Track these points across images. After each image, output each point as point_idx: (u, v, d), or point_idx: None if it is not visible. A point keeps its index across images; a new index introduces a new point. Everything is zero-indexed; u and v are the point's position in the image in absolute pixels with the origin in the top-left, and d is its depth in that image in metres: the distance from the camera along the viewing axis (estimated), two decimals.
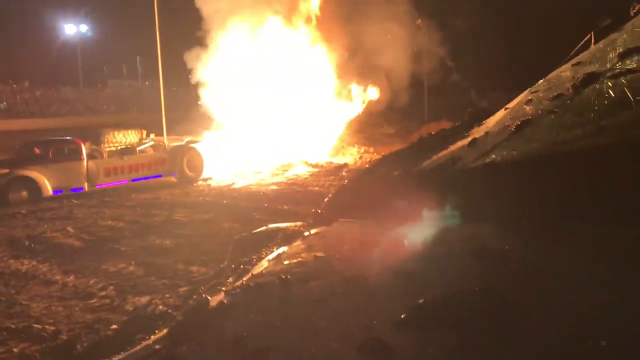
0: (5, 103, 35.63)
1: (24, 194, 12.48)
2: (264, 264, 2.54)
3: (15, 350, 4.96)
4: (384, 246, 2.52)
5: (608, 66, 3.18)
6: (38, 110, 36.49)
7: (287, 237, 2.96)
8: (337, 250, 2.55)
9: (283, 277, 2.19)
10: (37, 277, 7.21)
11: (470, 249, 2.24)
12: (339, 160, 18.74)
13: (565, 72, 3.67)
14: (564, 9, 21.85)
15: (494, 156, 2.94)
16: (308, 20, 20.95)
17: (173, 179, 15.40)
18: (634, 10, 4.34)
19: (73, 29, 45.62)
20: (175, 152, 15.51)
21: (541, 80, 3.81)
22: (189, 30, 20.77)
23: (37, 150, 13.21)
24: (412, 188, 2.95)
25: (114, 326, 5.37)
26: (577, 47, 4.17)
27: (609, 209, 2.44)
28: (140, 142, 15.69)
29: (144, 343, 1.93)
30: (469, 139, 3.40)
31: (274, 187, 13.90)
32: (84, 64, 44.18)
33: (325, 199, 3.72)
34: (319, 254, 2.51)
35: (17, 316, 5.80)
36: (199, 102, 21.18)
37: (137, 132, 15.99)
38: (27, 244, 8.91)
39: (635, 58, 3.04)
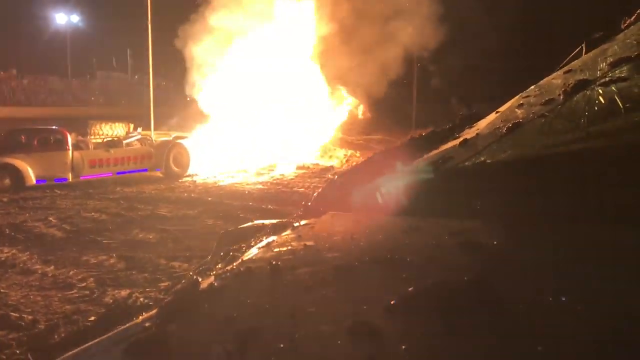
0: None
1: (7, 181, 12.36)
2: (253, 251, 2.54)
3: None
4: (374, 237, 2.54)
5: (599, 74, 3.25)
6: (24, 98, 36.07)
7: (277, 228, 2.97)
8: (327, 240, 2.57)
9: (273, 263, 2.20)
10: (17, 266, 7.14)
11: (460, 243, 2.28)
12: (326, 162, 18.78)
13: (556, 79, 3.74)
14: (555, 20, 22.14)
15: (484, 157, 2.98)
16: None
17: (158, 173, 15.33)
18: (625, 24, 4.43)
19: (64, 18, 45.19)
20: (162, 147, 15.45)
21: (532, 86, 3.87)
22: (180, 25, 20.61)
23: (21, 139, 13.06)
24: (403, 184, 2.98)
25: (93, 318, 5.32)
26: (569, 57, 4.25)
27: (594, 210, 2.50)
28: (127, 136, 15.61)
29: (133, 321, 1.93)
30: (460, 139, 3.44)
31: (260, 186, 13.90)
32: (73, 55, 43.78)
33: (315, 193, 3.74)
34: (309, 242, 2.53)
35: None
36: (188, 99, 21.09)
37: (124, 125, 15.93)
38: (7, 232, 8.81)
39: (626, 67, 3.11)
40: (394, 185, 2.94)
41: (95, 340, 1.88)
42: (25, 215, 10.16)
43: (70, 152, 13.29)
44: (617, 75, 3.06)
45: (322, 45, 20.56)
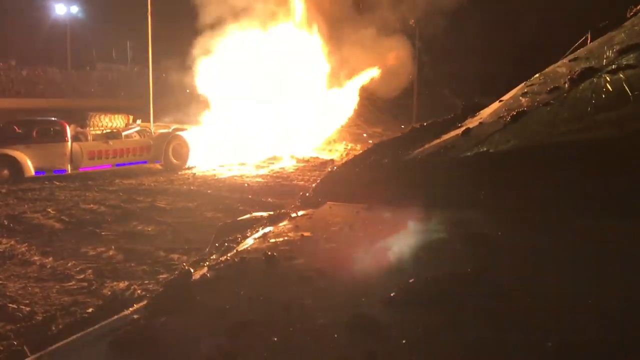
0: None
1: (5, 172, 12.31)
2: (249, 242, 2.47)
3: None
4: (373, 229, 2.47)
5: (605, 62, 3.16)
6: (24, 90, 35.94)
7: (274, 219, 2.89)
8: (325, 231, 2.50)
9: (269, 253, 2.13)
10: (15, 257, 7.11)
11: (462, 234, 2.21)
12: (325, 156, 18.70)
13: (561, 67, 3.65)
14: (561, 8, 21.97)
15: (487, 146, 2.90)
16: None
17: (158, 166, 15.27)
18: (631, 13, 4.34)
19: (63, 9, 44.95)
20: (161, 139, 15.37)
21: (537, 75, 3.78)
22: (181, 18, 20.51)
23: (20, 130, 12.99)
24: (403, 174, 2.90)
25: (91, 309, 5.28)
26: (575, 46, 4.16)
27: (601, 202, 2.42)
28: (126, 127, 15.52)
29: (122, 313, 1.86)
30: (463, 129, 3.36)
31: (259, 179, 13.83)
32: (72, 46, 43.55)
33: (314, 184, 3.66)
34: (306, 233, 2.46)
35: None
36: (187, 91, 20.99)
37: (123, 117, 15.83)
38: (6, 223, 8.76)
39: (634, 54, 3.02)
40: (394, 177, 2.86)
41: (81, 333, 1.81)
42: (24, 207, 10.12)
43: (69, 143, 13.22)
44: (625, 63, 2.97)
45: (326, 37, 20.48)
